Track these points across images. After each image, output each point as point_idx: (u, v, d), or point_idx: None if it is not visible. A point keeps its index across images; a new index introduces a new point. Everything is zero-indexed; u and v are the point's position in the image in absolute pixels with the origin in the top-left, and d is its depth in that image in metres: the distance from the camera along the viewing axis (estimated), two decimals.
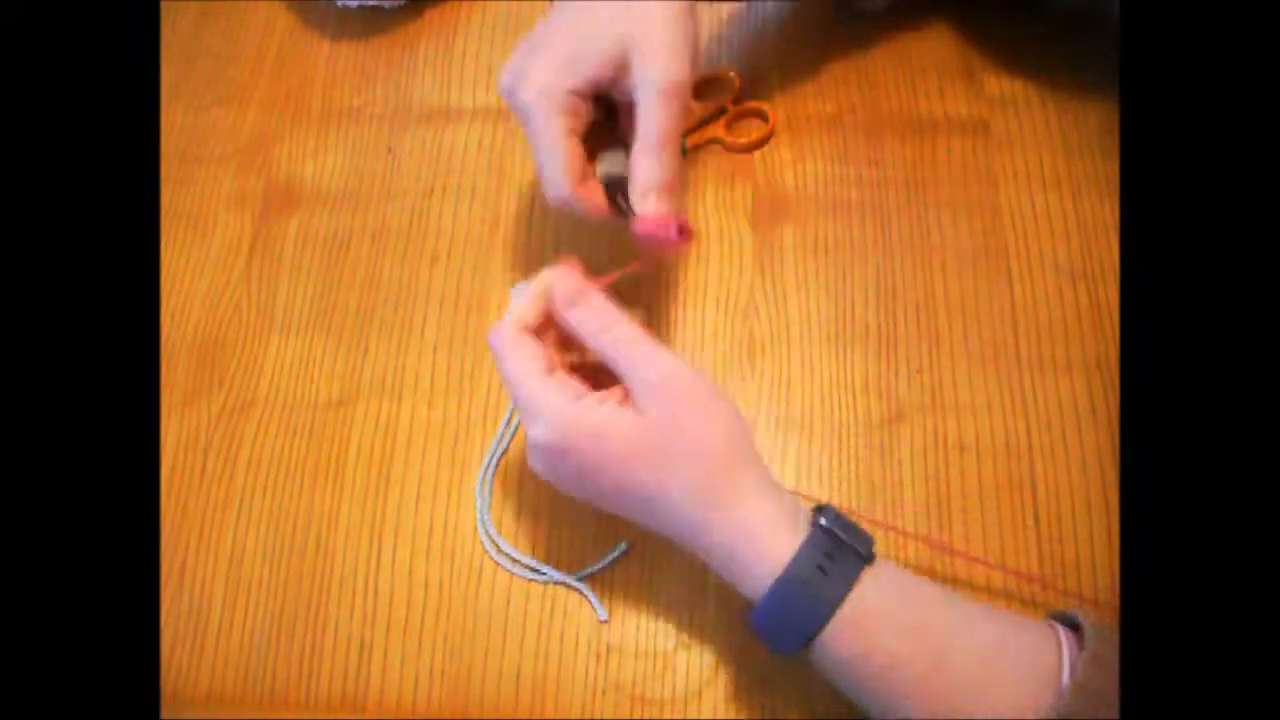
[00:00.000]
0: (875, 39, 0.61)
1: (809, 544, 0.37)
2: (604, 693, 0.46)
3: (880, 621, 0.37)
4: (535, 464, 0.41)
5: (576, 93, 0.44)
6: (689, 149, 0.58)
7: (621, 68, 0.44)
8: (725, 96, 0.59)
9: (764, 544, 0.38)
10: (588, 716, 0.46)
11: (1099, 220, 0.55)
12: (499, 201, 0.59)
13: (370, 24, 0.65)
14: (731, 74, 0.59)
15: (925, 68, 0.60)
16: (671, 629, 0.47)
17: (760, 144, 0.58)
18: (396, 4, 0.64)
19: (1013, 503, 0.48)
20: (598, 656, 0.47)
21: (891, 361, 0.52)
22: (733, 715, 0.45)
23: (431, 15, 0.65)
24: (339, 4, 0.64)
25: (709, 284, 0.55)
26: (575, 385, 0.41)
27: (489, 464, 0.51)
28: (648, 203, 0.45)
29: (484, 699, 0.47)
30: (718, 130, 0.58)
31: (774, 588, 0.37)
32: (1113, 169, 0.56)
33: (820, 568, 0.37)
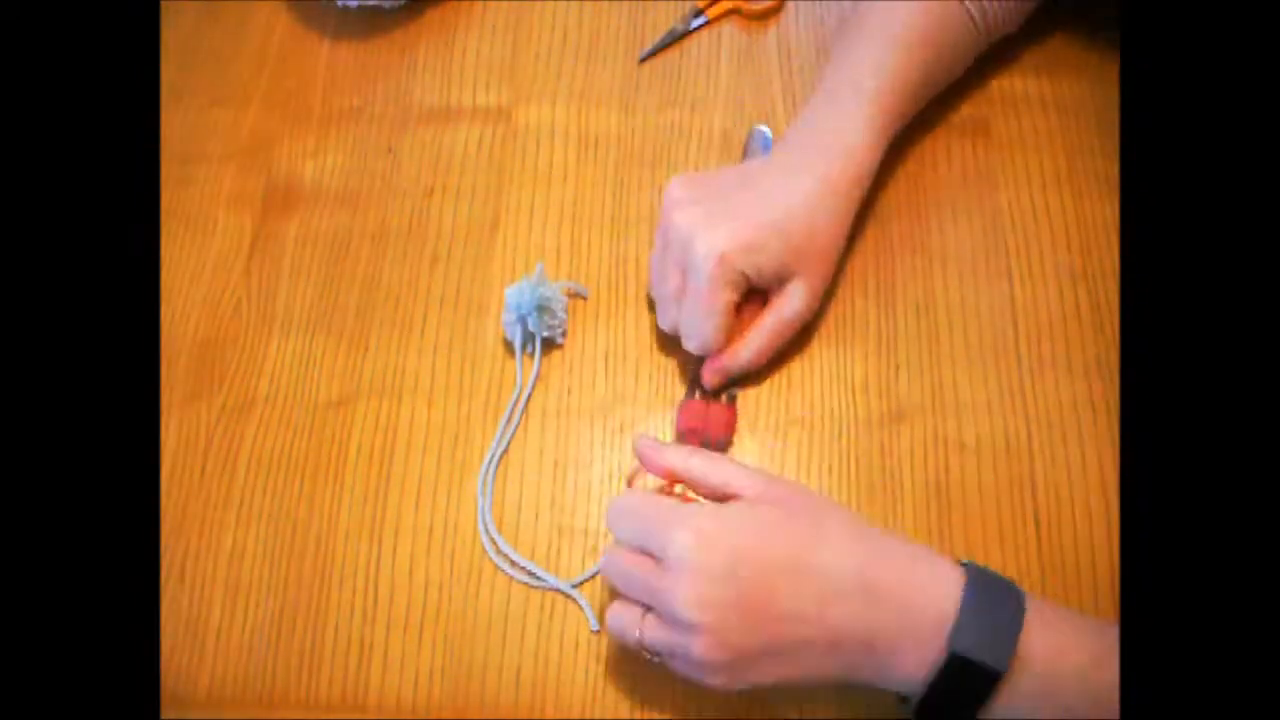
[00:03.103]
0: None
1: (969, 572, 0.39)
2: (604, 693, 0.46)
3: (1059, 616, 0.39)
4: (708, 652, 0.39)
5: (746, 275, 0.49)
6: (710, 20, 0.63)
7: (785, 273, 0.49)
8: None
9: (931, 567, 0.39)
10: (588, 716, 0.46)
11: (1099, 220, 0.55)
12: (499, 201, 0.59)
13: (370, 24, 0.65)
14: None
15: None
16: None
17: (776, 10, 0.63)
18: (396, 4, 0.64)
19: (1013, 503, 0.48)
20: (597, 657, 0.47)
21: (891, 361, 0.52)
22: (732, 715, 0.45)
23: (431, 15, 0.65)
24: (339, 4, 0.63)
25: None
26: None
27: (490, 463, 0.51)
28: (713, 379, 0.51)
29: (484, 699, 0.47)
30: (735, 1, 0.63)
31: (966, 591, 0.38)
32: (1113, 169, 0.56)
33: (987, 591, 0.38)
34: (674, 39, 0.62)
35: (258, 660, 0.48)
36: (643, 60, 0.61)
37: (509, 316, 0.52)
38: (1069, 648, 0.37)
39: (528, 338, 0.53)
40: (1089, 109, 0.58)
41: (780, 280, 0.50)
